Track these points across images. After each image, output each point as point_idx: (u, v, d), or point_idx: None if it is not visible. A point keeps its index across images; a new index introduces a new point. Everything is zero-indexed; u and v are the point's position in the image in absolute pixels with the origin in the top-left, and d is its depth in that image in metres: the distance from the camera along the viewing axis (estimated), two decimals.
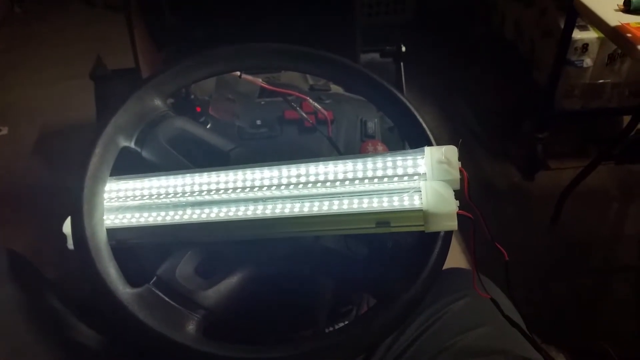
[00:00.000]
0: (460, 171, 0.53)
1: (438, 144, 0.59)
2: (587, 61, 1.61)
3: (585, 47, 1.58)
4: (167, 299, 0.55)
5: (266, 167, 0.59)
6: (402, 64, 1.27)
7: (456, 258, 1.40)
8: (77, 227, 0.55)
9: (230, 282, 0.57)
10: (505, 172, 1.81)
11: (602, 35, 1.48)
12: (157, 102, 0.63)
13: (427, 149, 0.54)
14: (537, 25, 1.80)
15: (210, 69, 0.65)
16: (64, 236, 0.60)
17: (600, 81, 1.65)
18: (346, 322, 0.83)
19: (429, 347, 0.67)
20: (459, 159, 0.54)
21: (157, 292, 0.55)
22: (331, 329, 0.83)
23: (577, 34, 1.55)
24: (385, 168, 0.55)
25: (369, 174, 0.56)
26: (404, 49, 1.26)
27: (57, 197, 1.66)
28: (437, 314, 0.70)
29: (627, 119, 1.81)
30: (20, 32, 2.61)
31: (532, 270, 1.45)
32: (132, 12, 1.12)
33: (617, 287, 1.49)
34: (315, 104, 0.78)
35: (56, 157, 1.89)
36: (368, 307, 0.86)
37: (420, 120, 0.58)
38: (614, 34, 1.22)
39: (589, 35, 1.56)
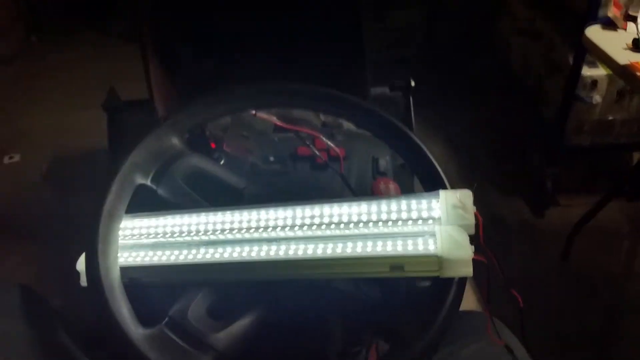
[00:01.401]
0: (475, 216, 0.53)
1: (450, 182, 0.59)
2: (596, 97, 1.61)
3: (594, 83, 1.59)
4: (179, 340, 0.54)
5: (280, 207, 0.59)
6: (411, 98, 1.28)
7: (468, 300, 1.38)
8: (92, 266, 0.55)
9: (242, 324, 0.57)
10: (515, 208, 1.79)
11: (610, 72, 1.49)
12: (175, 141, 0.64)
13: (442, 192, 0.54)
14: (544, 60, 1.81)
15: (227, 109, 0.66)
16: (75, 271, 0.60)
17: (610, 117, 1.65)
18: None
19: None
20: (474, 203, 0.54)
21: (169, 333, 0.55)
22: None
23: (587, 71, 1.56)
24: (399, 211, 0.55)
25: (384, 216, 0.56)
26: (413, 83, 1.27)
27: (65, 225, 1.69)
28: (449, 358, 0.69)
29: (636, 155, 1.82)
30: (36, 60, 2.65)
31: (542, 308, 1.43)
32: (147, 44, 1.14)
33: (627, 327, 1.47)
34: (328, 141, 0.79)
35: (66, 186, 1.90)
36: (377, 349, 0.85)
37: (435, 163, 0.58)
38: (623, 73, 1.23)
39: (598, 72, 1.57)
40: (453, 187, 0.57)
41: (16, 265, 1.59)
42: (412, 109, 1.29)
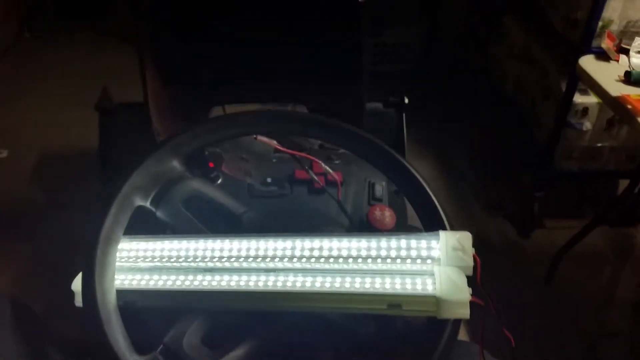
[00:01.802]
0: (474, 258, 0.54)
1: (438, 197, 0.59)
2: (587, 124, 1.63)
3: (585, 110, 1.61)
4: None
5: (280, 238, 0.59)
6: (404, 115, 1.29)
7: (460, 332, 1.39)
8: (88, 289, 0.54)
9: (237, 354, 0.57)
10: (501, 228, 1.81)
11: (601, 100, 1.51)
12: (175, 164, 0.64)
13: (442, 234, 0.55)
14: (538, 85, 1.83)
15: (228, 133, 0.66)
16: (61, 278, 0.60)
17: (599, 144, 1.68)
18: None
19: None
20: (473, 246, 0.55)
21: None
22: None
23: (578, 98, 1.58)
24: (399, 249, 0.56)
25: (383, 253, 0.56)
26: (406, 100, 1.28)
27: (52, 224, 1.67)
28: None
29: (623, 182, 1.84)
30: (29, 56, 2.62)
31: (524, 330, 1.45)
32: (144, 48, 1.13)
33: (606, 351, 1.49)
34: (326, 167, 0.79)
35: (55, 184, 1.89)
36: None
37: (437, 203, 0.59)
38: (614, 104, 1.24)
39: (589, 99, 1.59)
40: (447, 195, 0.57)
41: (1, 264, 1.57)
42: (404, 125, 1.30)
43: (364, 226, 0.78)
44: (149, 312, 0.60)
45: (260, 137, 0.74)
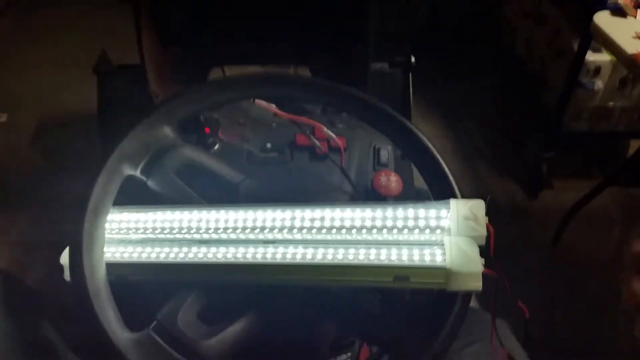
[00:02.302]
0: (487, 227, 0.50)
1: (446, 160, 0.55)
2: (599, 84, 1.58)
3: (597, 69, 1.55)
4: (167, 347, 0.52)
5: (279, 208, 0.55)
6: (410, 75, 1.25)
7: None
8: (76, 263, 0.51)
9: (235, 330, 0.54)
10: (509, 189, 1.78)
11: (615, 58, 1.45)
12: (167, 130, 0.60)
13: (452, 202, 0.51)
14: (549, 45, 1.77)
15: (223, 97, 0.62)
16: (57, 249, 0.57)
17: (610, 104, 1.63)
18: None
19: None
20: (486, 214, 0.51)
21: (157, 338, 0.52)
22: None
23: (590, 56, 1.52)
24: (406, 218, 0.52)
25: (389, 223, 0.53)
26: (413, 60, 1.23)
27: (52, 187, 1.65)
28: (453, 355, 0.67)
29: (633, 142, 1.80)
30: (25, 17, 2.55)
31: (531, 293, 1.43)
32: (141, 8, 1.09)
33: (614, 314, 1.48)
34: (329, 132, 0.75)
35: (54, 147, 1.87)
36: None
37: (446, 169, 0.55)
38: (630, 62, 1.19)
39: (602, 57, 1.54)
40: (451, 157, 0.54)
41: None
42: (411, 86, 1.25)
43: (369, 193, 0.74)
44: (142, 286, 0.58)
45: (258, 101, 0.70)
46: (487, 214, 0.51)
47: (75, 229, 0.52)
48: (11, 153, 1.86)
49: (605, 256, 1.62)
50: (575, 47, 1.50)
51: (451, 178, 0.54)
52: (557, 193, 1.76)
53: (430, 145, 0.56)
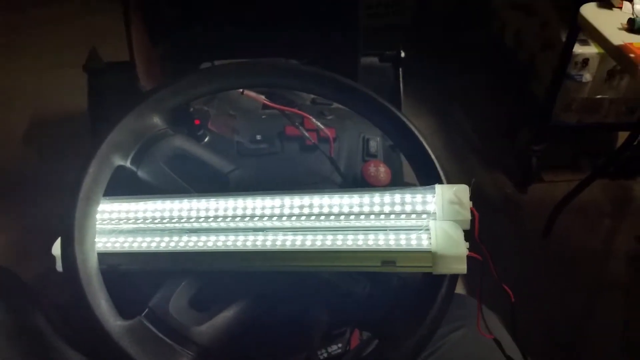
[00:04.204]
0: (471, 211, 0.51)
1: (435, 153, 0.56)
2: (587, 76, 1.59)
3: (585, 62, 1.56)
4: (159, 333, 0.52)
5: (269, 196, 0.56)
6: (400, 69, 1.25)
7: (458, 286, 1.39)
8: (68, 253, 0.52)
9: (226, 316, 0.55)
10: (498, 182, 1.80)
11: (602, 51, 1.47)
12: (156, 120, 0.60)
13: (438, 187, 0.52)
14: (537, 37, 1.78)
15: (213, 87, 0.62)
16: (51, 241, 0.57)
17: (599, 96, 1.64)
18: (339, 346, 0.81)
19: None
20: (470, 199, 0.52)
21: (149, 325, 0.52)
22: (323, 351, 0.81)
23: (578, 49, 1.53)
24: (393, 204, 0.53)
25: (376, 209, 0.53)
26: (403, 54, 1.24)
27: (43, 185, 1.65)
28: (437, 343, 0.68)
29: (622, 134, 1.82)
30: (15, 16, 2.54)
31: (521, 285, 1.44)
32: (130, 1, 1.09)
33: (604, 305, 1.49)
34: (318, 123, 0.76)
35: (45, 146, 1.87)
36: (361, 333, 0.84)
37: (432, 156, 0.56)
38: (616, 53, 1.21)
39: (590, 50, 1.55)
40: (440, 150, 0.55)
41: None
42: (401, 80, 1.26)
43: (358, 183, 0.75)
44: (133, 276, 0.58)
45: (247, 92, 0.71)
46: (471, 198, 0.52)
47: (67, 220, 0.53)
48: (2, 151, 1.86)
49: (595, 247, 1.64)
50: (564, 38, 1.51)
51: (436, 162, 0.55)
52: (547, 185, 1.78)
53: (413, 128, 0.57)
